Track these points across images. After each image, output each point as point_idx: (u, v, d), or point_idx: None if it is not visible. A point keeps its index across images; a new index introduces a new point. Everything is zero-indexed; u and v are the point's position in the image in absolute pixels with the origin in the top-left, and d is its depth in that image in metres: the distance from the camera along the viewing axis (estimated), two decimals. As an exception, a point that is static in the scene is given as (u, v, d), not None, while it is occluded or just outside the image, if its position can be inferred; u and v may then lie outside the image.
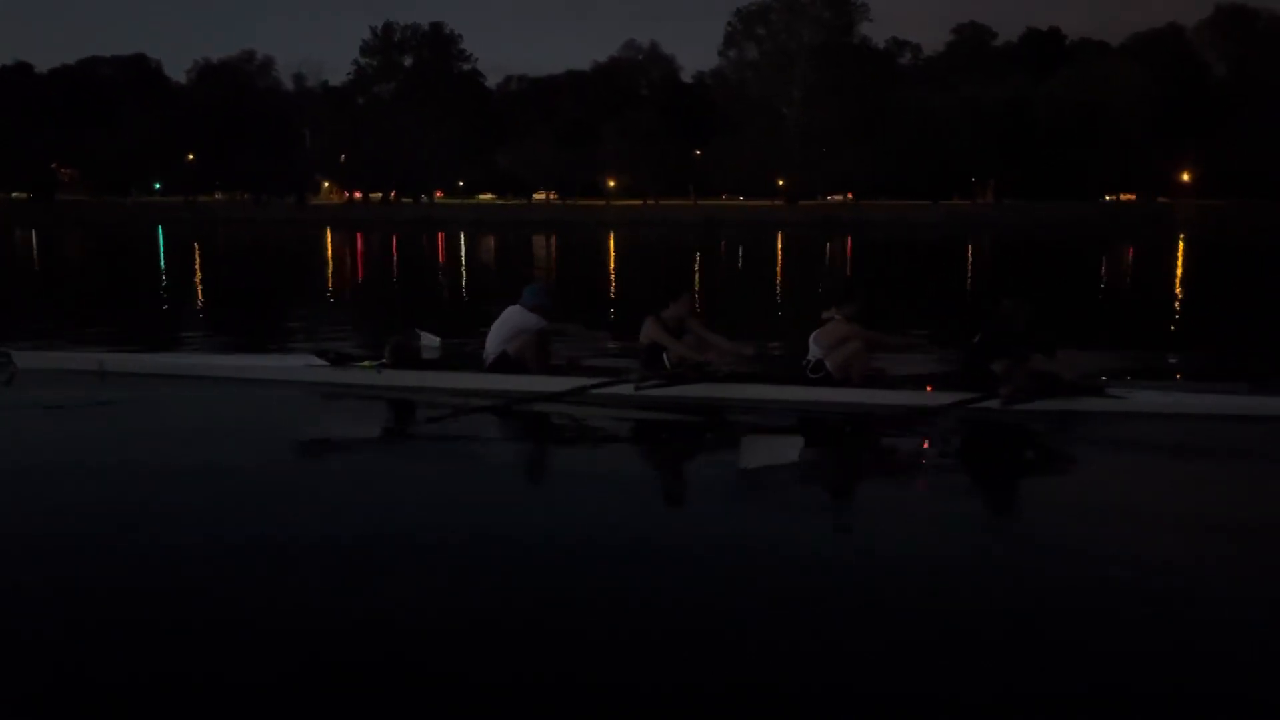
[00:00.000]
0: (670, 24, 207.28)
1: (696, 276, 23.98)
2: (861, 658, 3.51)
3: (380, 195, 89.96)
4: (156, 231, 48.71)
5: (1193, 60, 77.48)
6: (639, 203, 79.21)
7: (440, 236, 46.52)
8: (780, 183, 78.96)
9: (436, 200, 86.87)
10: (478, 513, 5.16)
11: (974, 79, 74.43)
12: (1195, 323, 14.45)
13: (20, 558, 4.58)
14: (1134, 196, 76.22)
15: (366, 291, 20.83)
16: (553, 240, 43.53)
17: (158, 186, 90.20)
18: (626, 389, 7.62)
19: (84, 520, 5.05)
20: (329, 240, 43.27)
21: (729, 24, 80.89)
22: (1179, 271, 26.24)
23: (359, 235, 47.89)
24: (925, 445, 6.73)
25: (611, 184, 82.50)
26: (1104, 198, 77.85)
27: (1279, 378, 8.13)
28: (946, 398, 7.25)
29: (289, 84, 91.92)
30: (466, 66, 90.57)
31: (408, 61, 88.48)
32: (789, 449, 5.72)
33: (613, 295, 19.28)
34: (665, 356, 7.86)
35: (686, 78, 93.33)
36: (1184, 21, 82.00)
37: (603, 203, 78.91)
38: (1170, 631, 3.73)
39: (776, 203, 77.99)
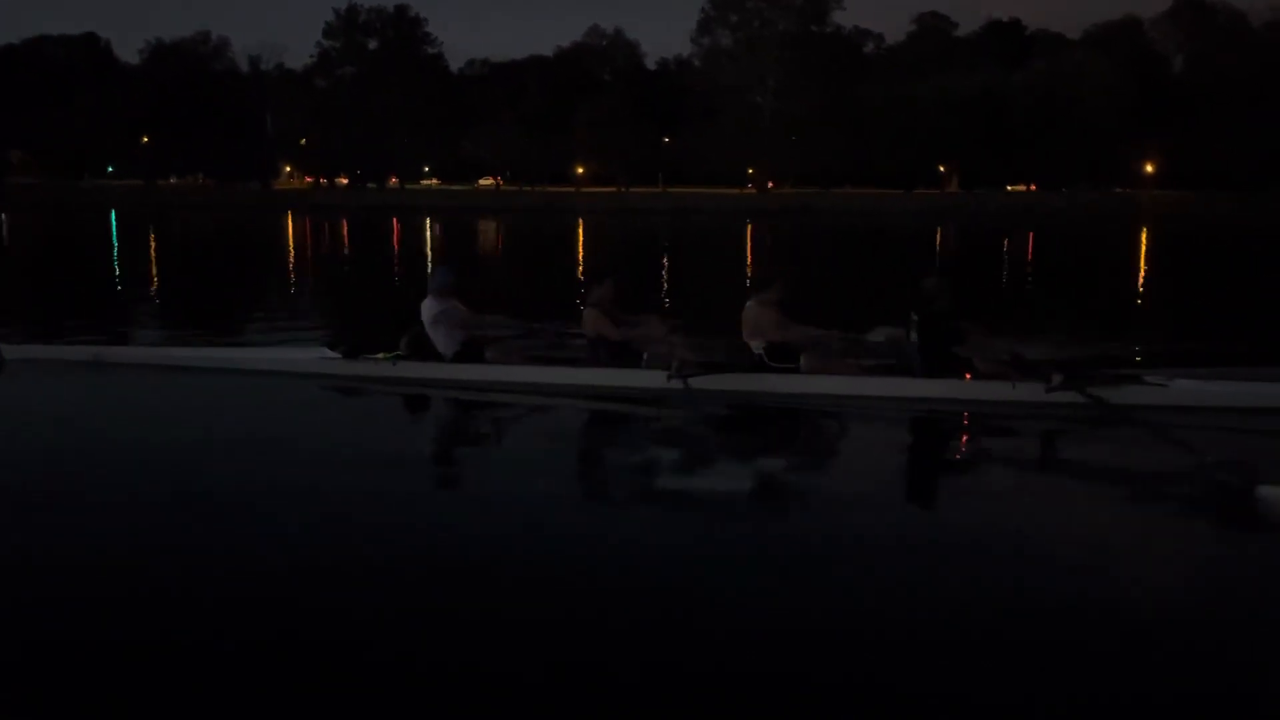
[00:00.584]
0: (630, 10, 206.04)
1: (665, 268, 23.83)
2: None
3: (346, 180, 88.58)
4: (120, 217, 47.43)
5: (1151, 53, 78.68)
6: (611, 190, 78.74)
7: (430, 222, 45.98)
8: (750, 170, 78.98)
9: (404, 187, 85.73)
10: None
11: (941, 69, 74.84)
12: (1181, 310, 14.63)
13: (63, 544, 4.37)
14: (1035, 186, 76.41)
15: (363, 283, 20.24)
16: (497, 226, 43.20)
17: (110, 170, 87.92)
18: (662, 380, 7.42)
19: (139, 518, 4.75)
20: (305, 227, 42.49)
21: (702, 10, 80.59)
22: (1143, 258, 26.87)
23: (328, 222, 47.05)
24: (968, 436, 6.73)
25: (580, 171, 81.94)
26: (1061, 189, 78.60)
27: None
28: (1007, 390, 7.18)
29: (245, 66, 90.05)
30: (432, 50, 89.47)
31: (372, 44, 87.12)
32: None
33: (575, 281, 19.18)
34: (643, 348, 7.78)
35: (650, 64, 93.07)
36: (1140, 14, 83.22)
37: (571, 190, 78.39)
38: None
39: (749, 190, 78.09)
